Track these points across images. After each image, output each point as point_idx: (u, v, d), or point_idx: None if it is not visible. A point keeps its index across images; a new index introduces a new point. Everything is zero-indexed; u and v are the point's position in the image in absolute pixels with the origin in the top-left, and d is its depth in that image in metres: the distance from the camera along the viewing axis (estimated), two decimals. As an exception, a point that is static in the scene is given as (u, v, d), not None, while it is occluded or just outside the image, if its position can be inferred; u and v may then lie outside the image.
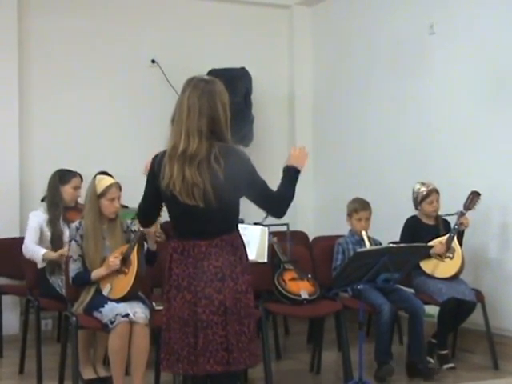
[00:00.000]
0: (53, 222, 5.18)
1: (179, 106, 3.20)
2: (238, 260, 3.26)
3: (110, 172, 4.87)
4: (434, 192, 5.42)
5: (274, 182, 3.30)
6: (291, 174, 3.32)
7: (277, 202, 3.29)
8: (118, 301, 4.37)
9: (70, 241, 4.55)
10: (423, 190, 5.42)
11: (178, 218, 3.28)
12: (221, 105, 3.21)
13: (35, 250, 5.11)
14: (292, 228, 5.68)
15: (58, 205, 5.22)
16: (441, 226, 5.43)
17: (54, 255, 5.02)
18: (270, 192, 3.26)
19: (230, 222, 3.29)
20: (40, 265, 5.11)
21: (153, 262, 4.49)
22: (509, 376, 5.12)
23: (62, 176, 5.32)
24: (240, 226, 3.36)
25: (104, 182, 4.60)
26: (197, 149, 3.14)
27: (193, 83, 3.22)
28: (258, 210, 3.34)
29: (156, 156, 3.30)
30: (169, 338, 3.27)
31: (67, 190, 5.29)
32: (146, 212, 3.46)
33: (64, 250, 4.87)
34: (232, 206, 3.25)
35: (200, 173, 3.13)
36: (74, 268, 4.49)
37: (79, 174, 5.43)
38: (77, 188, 5.35)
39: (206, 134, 3.17)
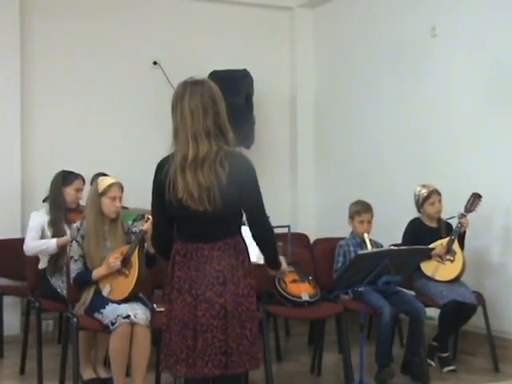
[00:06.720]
0: (55, 223, 5.17)
1: (180, 114, 3.16)
2: (241, 263, 3.25)
3: (111, 173, 4.86)
4: (434, 193, 5.42)
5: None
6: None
7: (263, 228, 3.29)
8: (119, 302, 4.38)
9: (71, 241, 4.56)
10: (424, 191, 5.43)
11: (184, 222, 3.25)
12: (219, 99, 3.21)
13: (43, 242, 5.08)
14: (293, 230, 5.67)
15: (60, 206, 5.21)
16: (443, 229, 5.43)
17: (65, 239, 4.97)
18: (263, 214, 3.27)
19: (233, 225, 3.27)
20: (53, 252, 5.06)
21: (152, 265, 4.49)
22: (509, 379, 5.12)
23: (65, 177, 5.32)
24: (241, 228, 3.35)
25: (106, 181, 4.63)
26: (207, 152, 3.12)
27: (189, 87, 3.18)
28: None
29: (159, 164, 3.24)
30: (169, 339, 3.26)
31: (69, 192, 5.29)
32: (163, 234, 3.32)
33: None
34: (235, 209, 3.24)
35: (212, 174, 3.11)
36: (74, 268, 4.50)
37: (82, 177, 5.42)
38: (79, 190, 5.35)
39: (214, 133, 3.15)
